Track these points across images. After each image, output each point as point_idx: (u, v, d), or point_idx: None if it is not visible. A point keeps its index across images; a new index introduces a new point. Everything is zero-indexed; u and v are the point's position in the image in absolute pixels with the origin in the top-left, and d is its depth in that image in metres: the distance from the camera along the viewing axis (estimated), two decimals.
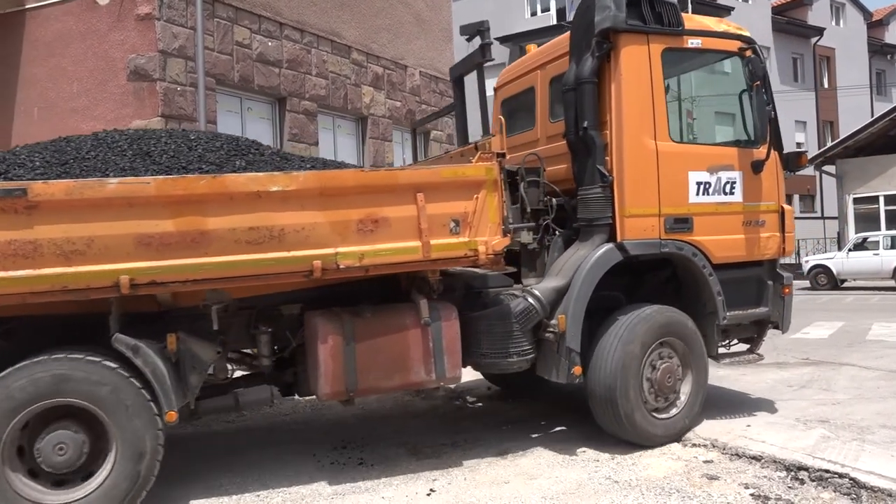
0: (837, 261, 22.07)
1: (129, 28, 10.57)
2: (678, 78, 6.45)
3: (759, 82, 5.88)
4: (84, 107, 10.67)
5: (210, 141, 5.44)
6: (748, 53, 5.94)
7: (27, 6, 11.17)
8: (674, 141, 5.88)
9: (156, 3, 10.48)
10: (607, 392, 5.54)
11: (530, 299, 5.63)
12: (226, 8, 11.59)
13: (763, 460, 5.31)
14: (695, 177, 5.89)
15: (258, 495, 5.16)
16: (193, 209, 4.57)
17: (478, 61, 5.88)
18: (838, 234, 26.99)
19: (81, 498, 4.48)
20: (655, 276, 6.29)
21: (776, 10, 39.09)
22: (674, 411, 5.81)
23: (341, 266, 4.88)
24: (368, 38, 14.61)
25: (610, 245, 5.77)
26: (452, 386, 5.74)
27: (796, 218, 6.96)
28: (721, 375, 8.26)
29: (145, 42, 10.48)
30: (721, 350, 6.37)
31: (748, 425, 6.21)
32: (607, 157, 5.76)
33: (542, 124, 6.65)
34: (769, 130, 6.02)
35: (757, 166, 6.07)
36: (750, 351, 6.50)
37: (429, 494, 5.03)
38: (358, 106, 14.24)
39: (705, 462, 5.43)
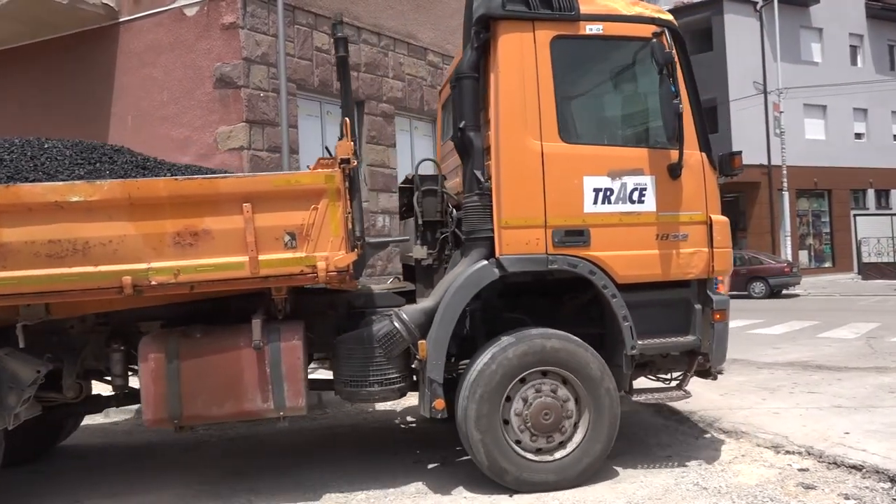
0: None
1: (214, 37, 10.67)
2: (584, 69, 5.58)
3: (664, 71, 5.00)
4: (173, 114, 10.87)
5: (61, 149, 5.09)
6: (659, 39, 4.70)
7: (121, 19, 11.47)
8: (564, 141, 4.82)
9: (240, 12, 10.51)
10: (463, 425, 4.70)
11: (395, 322, 4.78)
12: (306, 15, 11.53)
13: (864, 470, 4.87)
14: (592, 182, 4.79)
15: (342, 493, 4.90)
16: None
17: (337, 55, 5.12)
18: None
19: None
20: (575, 297, 5.53)
21: None
22: (561, 453, 4.77)
23: (153, 283, 4.33)
24: (444, 38, 14.22)
25: (484, 262, 4.83)
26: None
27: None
28: (815, 380, 7.91)
29: (230, 50, 10.59)
30: (643, 385, 5.30)
31: (846, 432, 5.71)
32: (488, 162, 4.90)
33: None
34: (681, 128, 4.99)
35: (674, 170, 4.88)
36: (678, 387, 5.36)
37: (511, 496, 4.70)
38: (434, 107, 13.50)
39: (800, 470, 4.98)
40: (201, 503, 4.87)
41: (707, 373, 5.48)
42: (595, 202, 4.83)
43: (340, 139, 4.56)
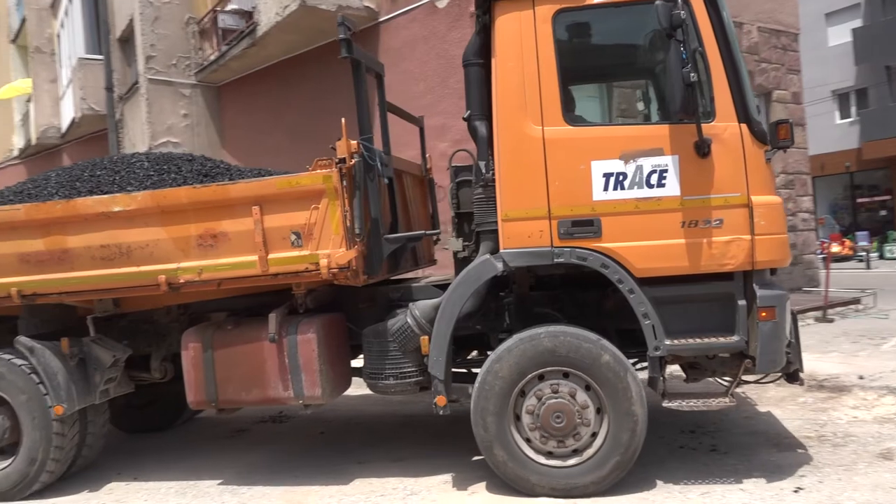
0: None
1: (466, 26, 10.50)
2: (591, 43, 4.82)
3: (671, 35, 4.22)
4: (429, 104, 10.85)
5: (142, 162, 5.43)
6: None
7: (380, 19, 11.92)
8: (569, 124, 4.32)
9: None
10: (473, 418, 4.47)
11: (407, 317, 4.69)
12: None
13: None
14: (601, 167, 4.24)
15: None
16: (57, 230, 4.84)
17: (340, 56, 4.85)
18: None
19: None
20: (617, 290, 4.96)
21: None
22: (573, 461, 4.36)
23: (182, 280, 4.73)
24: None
25: (486, 256, 4.53)
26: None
27: None
28: None
29: None
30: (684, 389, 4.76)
31: None
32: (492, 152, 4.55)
33: None
34: (693, 100, 4.06)
35: (701, 147, 4.16)
36: (725, 393, 4.43)
37: (796, 491, 4.31)
38: None
39: None
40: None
41: (794, 377, 4.77)
42: (606, 189, 4.34)
43: (339, 140, 4.66)
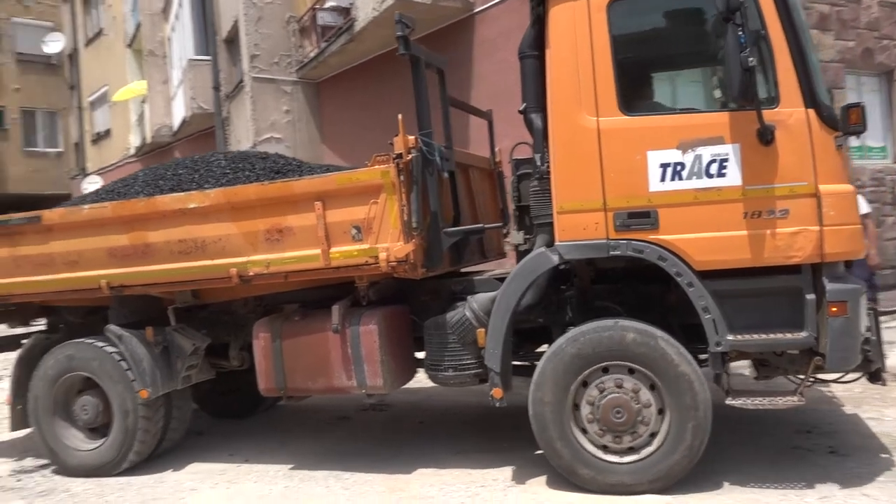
0: None
1: None
2: (647, 29, 4.55)
3: (729, 19, 3.96)
4: None
5: (220, 161, 5.71)
6: None
7: (475, 10, 11.89)
8: (625, 114, 4.18)
9: None
10: (531, 414, 4.46)
11: (466, 310, 4.71)
12: None
13: None
14: (658, 157, 4.09)
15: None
16: (140, 226, 5.12)
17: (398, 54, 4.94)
18: None
19: None
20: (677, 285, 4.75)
21: None
22: (634, 456, 4.27)
23: (251, 273, 4.90)
24: None
25: (541, 249, 4.47)
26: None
27: None
28: None
29: None
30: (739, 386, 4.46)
31: None
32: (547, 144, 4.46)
33: None
34: (752, 86, 3.69)
35: (764, 135, 3.94)
36: (795, 391, 4.18)
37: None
38: (881, 60, 12.10)
39: None
40: None
41: (876, 376, 4.50)
42: (663, 179, 4.20)
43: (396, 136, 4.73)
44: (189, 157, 6.10)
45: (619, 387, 4.30)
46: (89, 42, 24.72)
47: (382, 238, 4.66)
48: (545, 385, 4.38)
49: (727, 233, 4.11)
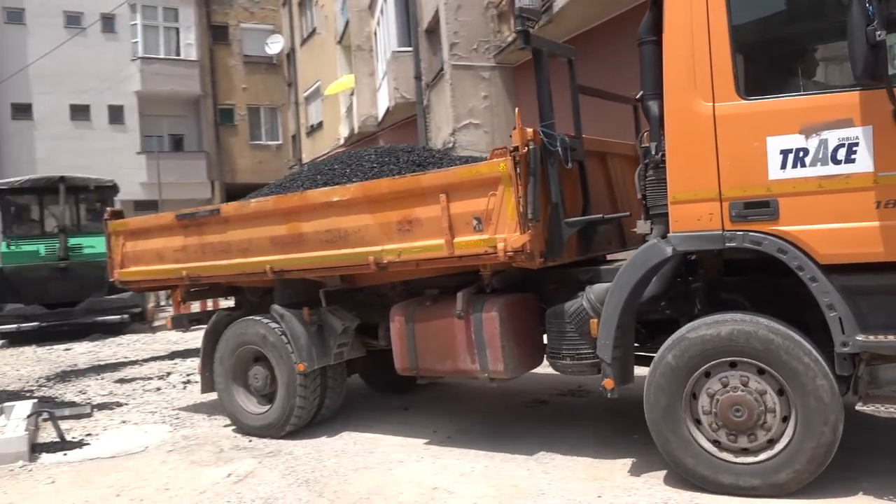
0: None
1: None
2: (768, 6, 3.94)
3: None
4: None
5: (369, 156, 6.12)
6: None
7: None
8: (743, 98, 3.90)
9: None
10: (646, 411, 4.35)
11: (583, 299, 4.67)
12: None
13: None
14: (778, 143, 3.78)
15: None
16: (295, 217, 5.62)
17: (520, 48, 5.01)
18: None
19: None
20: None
21: None
22: (761, 457, 4.02)
23: (385, 261, 5.22)
24: None
25: (655, 240, 4.30)
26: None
27: None
28: None
29: None
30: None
31: None
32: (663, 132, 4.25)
33: None
34: (882, 62, 3.37)
35: None
36: None
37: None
38: None
39: None
40: None
41: None
42: (783, 167, 3.90)
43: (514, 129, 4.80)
44: (346, 152, 6.59)
45: (745, 385, 4.09)
46: (304, 41, 26.84)
47: (500, 229, 4.78)
48: (661, 370, 4.29)
49: (856, 224, 3.76)
